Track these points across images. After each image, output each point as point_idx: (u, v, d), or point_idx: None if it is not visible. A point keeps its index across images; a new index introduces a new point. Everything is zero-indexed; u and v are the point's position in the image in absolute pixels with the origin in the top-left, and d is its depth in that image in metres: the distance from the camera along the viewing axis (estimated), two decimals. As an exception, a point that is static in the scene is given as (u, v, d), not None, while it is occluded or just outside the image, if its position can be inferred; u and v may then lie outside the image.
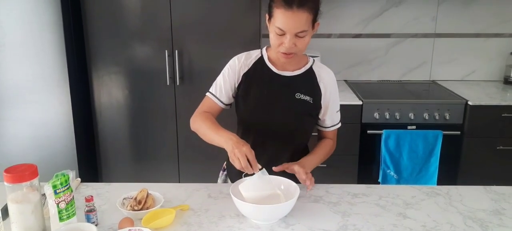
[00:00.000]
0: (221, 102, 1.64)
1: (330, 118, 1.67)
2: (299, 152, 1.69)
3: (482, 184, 1.63)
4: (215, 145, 1.49)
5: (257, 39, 2.70)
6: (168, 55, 2.73)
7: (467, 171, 2.85)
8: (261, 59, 1.63)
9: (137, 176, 2.94)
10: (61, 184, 1.25)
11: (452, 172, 2.87)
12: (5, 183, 1.25)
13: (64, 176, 1.27)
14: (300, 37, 1.44)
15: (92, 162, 2.95)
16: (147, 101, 2.85)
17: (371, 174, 2.90)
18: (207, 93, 1.66)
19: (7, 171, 1.24)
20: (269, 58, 1.62)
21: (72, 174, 1.32)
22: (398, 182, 2.81)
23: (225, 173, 1.80)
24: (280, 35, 1.45)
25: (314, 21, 1.46)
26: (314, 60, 1.65)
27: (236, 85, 1.63)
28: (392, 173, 2.81)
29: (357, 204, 1.49)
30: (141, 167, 2.96)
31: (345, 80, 3.33)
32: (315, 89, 1.60)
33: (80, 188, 1.62)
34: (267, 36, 3.48)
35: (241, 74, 1.62)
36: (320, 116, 1.65)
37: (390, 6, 3.19)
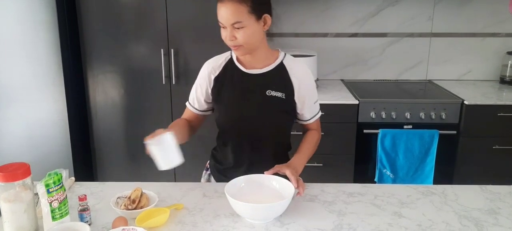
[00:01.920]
0: (196, 109, 1.69)
1: (309, 110, 1.66)
2: (281, 150, 1.70)
3: (478, 183, 1.63)
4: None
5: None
6: (164, 54, 2.72)
7: (463, 170, 2.85)
8: (230, 60, 1.63)
9: (133, 175, 2.93)
10: (54, 182, 1.24)
11: (448, 171, 2.87)
12: (-3, 182, 1.24)
13: (57, 175, 1.26)
14: (237, 28, 1.45)
15: (87, 161, 2.94)
16: (142, 101, 2.84)
17: (367, 174, 2.90)
18: (186, 102, 1.72)
19: (-1, 169, 1.23)
20: (237, 59, 1.61)
21: (65, 173, 1.31)
22: (394, 181, 2.81)
23: (208, 172, 1.80)
24: (222, 28, 1.49)
25: (255, 13, 1.45)
26: (285, 54, 1.64)
27: (209, 91, 1.64)
28: (388, 173, 2.81)
29: (352, 203, 1.48)
30: (136, 166, 2.95)
31: (342, 80, 3.33)
32: (287, 84, 1.59)
33: (74, 187, 1.61)
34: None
35: (212, 79, 1.63)
36: (298, 111, 1.64)
37: (386, 6, 3.19)
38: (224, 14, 1.44)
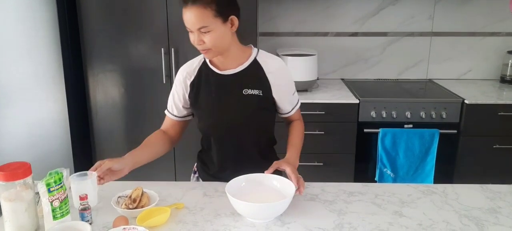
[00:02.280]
0: (176, 116, 1.68)
1: (289, 102, 1.66)
2: (266, 146, 1.69)
3: (478, 182, 1.63)
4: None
5: (254, 36, 2.69)
6: (164, 53, 2.71)
7: (463, 169, 2.85)
8: (204, 63, 1.62)
9: (132, 175, 2.91)
10: (55, 182, 1.24)
11: (449, 170, 2.87)
12: (-2, 181, 1.24)
13: (57, 174, 1.26)
14: (204, 32, 1.43)
15: (87, 160, 2.94)
16: (143, 100, 2.84)
17: (368, 173, 2.90)
18: (165, 111, 1.72)
19: (0, 168, 1.23)
20: (211, 61, 1.60)
21: (66, 172, 1.31)
22: (394, 180, 2.81)
23: (196, 175, 1.79)
24: (190, 32, 1.48)
25: (221, 16, 1.43)
26: (258, 50, 1.62)
27: (186, 96, 1.63)
28: (388, 172, 2.81)
29: (353, 203, 1.48)
30: (137, 165, 2.94)
31: (342, 79, 3.33)
32: (263, 81, 1.57)
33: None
34: (264, 34, 3.48)
35: (188, 84, 1.62)
36: (278, 105, 1.63)
37: (386, 5, 3.19)
38: (189, 19, 1.43)
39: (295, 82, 3.06)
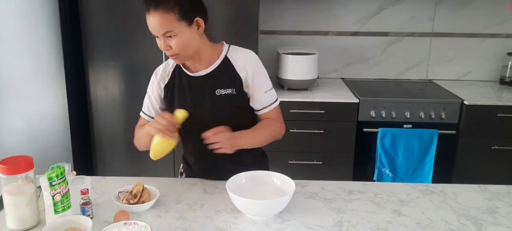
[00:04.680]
0: (152, 118, 1.62)
1: (259, 101, 1.57)
2: (240, 150, 1.60)
3: (477, 183, 1.64)
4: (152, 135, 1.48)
5: (255, 36, 2.70)
6: (165, 50, 2.72)
7: (461, 170, 2.86)
8: (178, 66, 1.60)
9: (132, 171, 2.93)
10: (57, 176, 1.25)
11: (447, 171, 2.88)
12: (0, 175, 1.24)
13: (59, 168, 1.27)
14: (169, 37, 1.42)
15: (87, 155, 2.95)
16: (143, 96, 2.81)
17: (367, 172, 2.91)
18: (140, 113, 1.67)
19: (3, 162, 1.24)
20: (183, 64, 1.59)
21: (68, 167, 1.32)
22: (393, 180, 2.82)
23: (183, 176, 1.78)
24: (156, 38, 1.46)
25: (185, 19, 1.41)
26: (229, 46, 1.58)
27: (163, 98, 1.62)
28: (387, 171, 2.82)
29: (352, 201, 1.49)
30: (136, 161, 2.95)
31: (342, 78, 3.33)
32: (234, 78, 1.54)
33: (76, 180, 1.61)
34: (265, 33, 3.48)
35: (162, 87, 1.61)
36: (251, 101, 1.58)
37: (387, 5, 3.20)
38: (153, 24, 1.41)
39: (296, 80, 3.06)
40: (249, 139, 1.55)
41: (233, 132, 1.50)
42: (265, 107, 1.59)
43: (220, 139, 1.44)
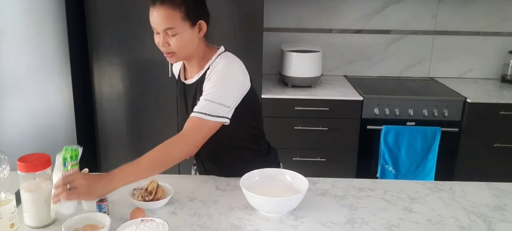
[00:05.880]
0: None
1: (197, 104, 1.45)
2: (241, 146, 1.62)
3: (479, 180, 1.66)
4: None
5: (260, 33, 2.71)
6: (171, 47, 2.72)
7: (464, 167, 2.89)
8: (180, 69, 1.64)
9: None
10: (71, 157, 1.26)
11: (449, 168, 2.91)
12: (18, 172, 1.26)
13: (74, 150, 1.27)
14: (170, 35, 1.41)
15: (92, 152, 2.95)
16: (148, 93, 2.85)
17: (370, 169, 2.94)
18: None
19: (21, 160, 1.25)
20: (184, 67, 1.60)
21: (81, 150, 1.32)
22: (396, 177, 2.84)
23: (195, 167, 1.81)
24: (156, 34, 1.45)
25: (190, 19, 1.40)
26: (219, 55, 1.50)
27: None
28: (390, 168, 2.84)
29: (363, 198, 1.51)
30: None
31: (345, 76, 3.35)
32: None
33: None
34: (269, 30, 3.48)
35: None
36: None
37: (390, 3, 3.21)
38: (156, 19, 1.40)
39: (300, 78, 3.05)
40: (120, 178, 1.32)
41: (93, 175, 1.33)
42: (194, 112, 1.42)
43: (76, 185, 1.25)
